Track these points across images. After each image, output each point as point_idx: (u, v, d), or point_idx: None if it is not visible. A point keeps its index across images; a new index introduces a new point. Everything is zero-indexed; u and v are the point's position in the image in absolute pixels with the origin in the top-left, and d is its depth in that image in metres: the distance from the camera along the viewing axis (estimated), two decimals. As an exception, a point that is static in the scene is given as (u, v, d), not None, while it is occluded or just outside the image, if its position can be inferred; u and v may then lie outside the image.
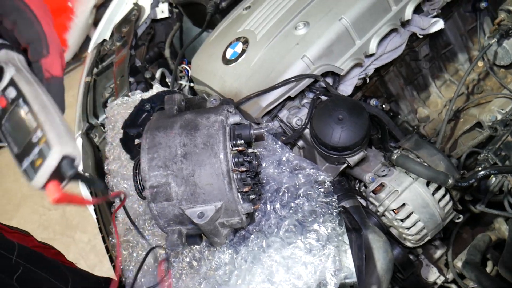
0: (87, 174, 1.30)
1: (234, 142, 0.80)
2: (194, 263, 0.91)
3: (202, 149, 0.76)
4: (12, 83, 0.59)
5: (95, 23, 3.73)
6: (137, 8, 1.68)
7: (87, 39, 3.86)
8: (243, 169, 0.79)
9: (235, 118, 0.82)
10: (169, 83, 1.55)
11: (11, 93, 0.59)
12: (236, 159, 0.79)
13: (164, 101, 1.19)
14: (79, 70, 3.92)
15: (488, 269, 1.17)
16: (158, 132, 0.80)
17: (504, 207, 1.13)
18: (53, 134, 0.54)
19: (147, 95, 1.27)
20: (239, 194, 0.78)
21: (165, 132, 0.80)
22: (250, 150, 0.85)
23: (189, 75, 1.54)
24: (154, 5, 1.68)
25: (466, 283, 1.12)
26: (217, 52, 1.21)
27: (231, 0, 1.44)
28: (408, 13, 1.09)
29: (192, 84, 1.50)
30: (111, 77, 1.56)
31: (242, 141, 0.81)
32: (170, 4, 1.69)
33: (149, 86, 1.47)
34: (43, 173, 0.54)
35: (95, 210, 1.32)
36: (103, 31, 1.78)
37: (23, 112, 0.57)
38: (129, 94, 1.33)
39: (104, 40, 1.75)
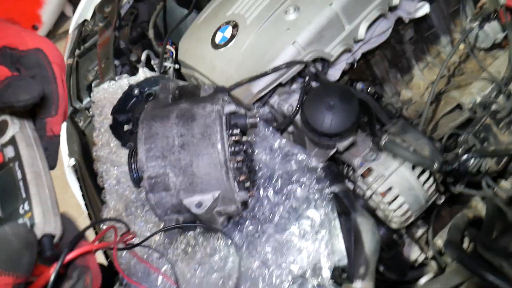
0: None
1: (231, 131, 0.81)
2: (189, 249, 0.93)
3: (200, 139, 0.78)
4: (13, 142, 0.60)
5: (70, -1, 3.62)
6: (119, -13, 1.64)
7: (62, 16, 3.75)
8: (239, 158, 0.81)
9: (231, 107, 0.83)
10: (154, 66, 1.53)
11: (10, 152, 0.59)
12: (232, 148, 0.80)
13: (151, 85, 1.20)
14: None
15: (465, 246, 1.24)
16: (155, 122, 0.81)
17: (481, 186, 1.19)
18: (39, 210, 0.55)
19: (134, 79, 1.26)
20: (235, 182, 0.80)
21: (161, 122, 0.80)
22: (244, 138, 0.86)
23: (174, 56, 1.53)
24: (136, -16, 1.65)
25: (445, 260, 1.18)
26: (206, 36, 1.21)
27: (217, -19, 1.42)
28: (396, -1, 1.10)
29: (177, 66, 1.49)
30: (95, 59, 1.54)
31: (238, 130, 0.83)
32: (153, -17, 1.65)
33: (134, 69, 1.45)
34: None
35: (83, 195, 1.32)
36: (84, 11, 1.74)
37: (16, 177, 0.58)
38: (116, 78, 1.32)
39: (86, 20, 1.71)
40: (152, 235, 0.86)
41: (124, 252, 1.04)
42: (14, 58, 0.64)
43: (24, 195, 0.56)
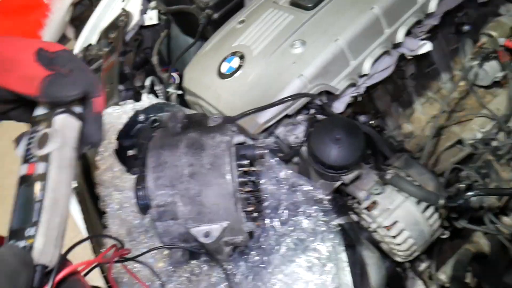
0: None
1: (239, 162, 0.81)
2: (193, 278, 0.92)
3: (209, 169, 0.78)
4: (47, 159, 0.57)
5: (72, 20, 3.66)
6: (125, 14, 1.67)
7: (63, 37, 3.78)
8: (248, 188, 0.81)
9: (239, 138, 0.84)
10: (157, 92, 1.55)
11: (40, 168, 0.57)
12: (241, 179, 0.80)
13: (156, 111, 1.21)
14: (53, 68, 3.83)
15: (467, 281, 1.23)
16: (163, 151, 0.81)
17: (483, 221, 1.20)
18: (41, 241, 0.53)
19: (139, 105, 1.27)
20: (243, 213, 0.80)
21: (170, 151, 0.80)
22: (252, 169, 0.87)
23: (176, 82, 1.55)
24: (142, 12, 1.67)
25: (448, 295, 1.18)
26: (212, 65, 1.22)
27: (223, 12, 1.45)
28: (400, 36, 1.13)
29: (179, 92, 1.50)
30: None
31: (247, 161, 0.83)
32: (159, 11, 1.68)
33: (138, 95, 1.46)
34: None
35: (84, 219, 1.30)
36: (89, 35, 1.76)
37: (35, 197, 0.56)
38: (120, 103, 1.32)
39: (90, 45, 1.73)
40: (150, 250, 0.86)
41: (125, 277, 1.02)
42: (48, 59, 0.67)
43: (34, 219, 0.54)
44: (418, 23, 1.22)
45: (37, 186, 0.56)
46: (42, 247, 0.53)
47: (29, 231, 0.53)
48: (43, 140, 0.59)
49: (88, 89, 0.64)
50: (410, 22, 1.15)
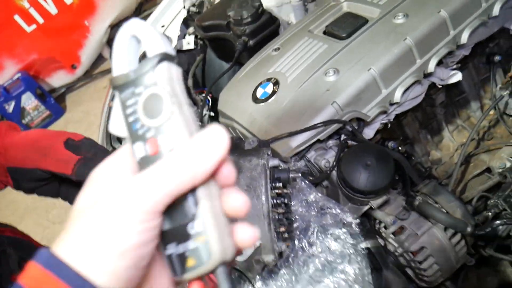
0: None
1: (273, 184, 0.86)
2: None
3: (245, 190, 0.83)
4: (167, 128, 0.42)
5: (108, 41, 3.82)
6: (165, 39, 1.76)
7: (99, 57, 3.95)
8: (280, 210, 0.86)
9: (274, 162, 0.89)
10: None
11: (165, 139, 0.42)
12: (274, 201, 0.85)
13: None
14: (90, 86, 4.00)
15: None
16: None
17: (510, 250, 1.20)
18: (216, 236, 0.41)
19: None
20: (275, 233, 0.85)
21: (209, 172, 0.86)
22: (285, 191, 0.91)
23: (209, 104, 1.61)
24: (181, 37, 1.76)
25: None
26: (247, 90, 1.28)
27: (259, 38, 1.52)
28: (431, 66, 1.16)
29: (212, 114, 1.57)
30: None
31: (281, 184, 0.87)
32: (196, 37, 1.76)
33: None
34: (193, 276, 0.42)
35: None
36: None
37: None
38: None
39: (130, 67, 1.82)
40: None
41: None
42: (74, 147, 0.88)
43: (192, 211, 0.42)
44: (450, 53, 1.25)
45: None
46: (220, 242, 0.41)
47: (194, 227, 0.41)
48: (153, 104, 0.42)
49: None
50: (441, 53, 1.19)
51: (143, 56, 0.45)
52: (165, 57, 0.42)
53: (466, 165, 1.46)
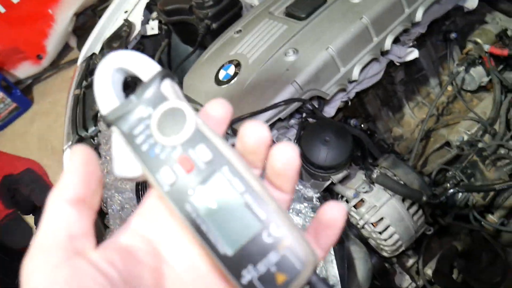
0: None
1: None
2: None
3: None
4: (199, 137, 0.38)
5: (74, 30, 3.75)
6: (128, 25, 1.74)
7: (66, 46, 3.87)
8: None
9: (233, 141, 0.91)
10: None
11: (197, 151, 0.38)
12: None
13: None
14: (57, 76, 3.92)
15: (454, 276, 1.29)
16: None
17: (469, 219, 1.26)
18: (299, 234, 0.35)
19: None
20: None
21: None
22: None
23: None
24: (144, 22, 1.75)
25: (435, 290, 1.24)
26: (210, 73, 1.29)
27: (222, 22, 1.52)
28: (387, 44, 1.20)
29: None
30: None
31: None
32: (160, 22, 1.75)
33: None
34: None
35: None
36: (92, 45, 1.83)
37: (228, 188, 0.36)
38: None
39: (94, 54, 1.80)
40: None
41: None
42: (12, 182, 0.86)
43: (258, 212, 0.35)
44: (406, 31, 1.29)
45: (218, 170, 0.38)
46: (306, 240, 0.35)
47: (270, 233, 0.35)
48: (171, 120, 0.39)
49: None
50: (397, 31, 1.22)
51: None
52: (165, 74, 0.40)
53: (427, 140, 1.51)
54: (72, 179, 0.35)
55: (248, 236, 0.35)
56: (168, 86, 0.40)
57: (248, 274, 0.34)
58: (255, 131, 0.37)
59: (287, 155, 0.37)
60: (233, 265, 0.35)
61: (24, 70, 3.74)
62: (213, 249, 0.36)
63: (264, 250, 0.34)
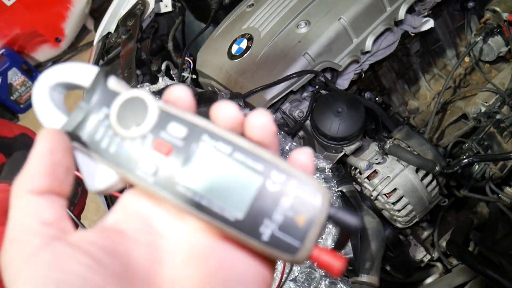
0: None
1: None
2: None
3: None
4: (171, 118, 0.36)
5: (91, 12, 3.77)
6: (142, 3, 1.75)
7: (83, 29, 3.90)
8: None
9: (246, 111, 0.91)
10: (173, 75, 1.63)
11: (174, 130, 0.36)
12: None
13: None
14: (76, 58, 3.97)
15: (470, 249, 1.28)
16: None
17: (486, 192, 1.24)
18: (298, 173, 0.35)
19: (155, 87, 1.35)
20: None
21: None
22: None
23: (191, 67, 1.62)
24: (158, 0, 1.75)
25: (450, 261, 1.23)
26: (223, 48, 1.29)
27: (234, -4, 1.51)
28: (401, 14, 1.18)
29: (194, 76, 1.58)
30: (118, 69, 1.63)
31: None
32: (173, -1, 1.75)
33: (154, 79, 1.55)
34: (315, 235, 0.34)
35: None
36: (108, 24, 1.84)
37: (215, 154, 0.35)
38: (138, 86, 1.41)
39: (109, 33, 1.81)
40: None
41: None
42: (5, 144, 0.84)
43: (254, 166, 0.35)
44: (421, 0, 1.26)
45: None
46: (311, 175, 0.36)
47: (275, 181, 0.35)
48: (130, 112, 0.38)
49: None
50: (411, 0, 1.19)
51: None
52: (106, 71, 0.38)
53: (443, 113, 1.49)
54: (36, 169, 0.33)
55: (252, 192, 0.34)
56: (115, 82, 0.38)
57: (267, 229, 0.33)
58: (226, 111, 0.37)
59: (261, 122, 0.36)
60: (247, 227, 0.33)
61: (43, 53, 3.79)
62: (222, 220, 0.34)
63: (274, 199, 0.33)
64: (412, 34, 1.26)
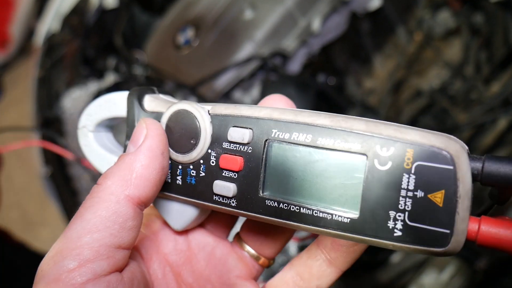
0: None
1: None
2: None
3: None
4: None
5: (39, 13, 3.63)
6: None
7: (32, 31, 3.75)
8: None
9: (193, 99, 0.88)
10: (123, 72, 1.57)
11: (236, 136, 0.32)
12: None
13: (119, 89, 1.24)
14: (26, 63, 3.81)
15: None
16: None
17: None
18: (412, 133, 0.27)
19: (103, 85, 1.30)
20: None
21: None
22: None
23: (141, 61, 1.57)
24: (101, -5, 1.68)
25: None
26: (169, 39, 1.25)
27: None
28: (346, -7, 1.16)
29: (145, 71, 1.53)
30: (65, 69, 1.57)
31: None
32: (117, -7, 1.69)
33: (102, 77, 1.49)
34: (463, 215, 0.26)
35: (62, 201, 1.34)
36: (51, 24, 1.76)
37: (296, 150, 0.30)
38: (85, 85, 1.35)
39: (54, 35, 1.74)
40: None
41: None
42: None
43: (348, 146, 0.28)
44: (366, -21, 1.25)
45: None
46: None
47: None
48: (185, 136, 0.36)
49: None
50: (356, -21, 1.18)
51: None
52: (137, 94, 0.36)
53: (398, 91, 1.49)
54: (146, 184, 0.31)
55: (359, 180, 0.26)
56: (150, 100, 0.35)
57: (397, 222, 0.25)
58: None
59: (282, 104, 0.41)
60: (369, 225, 0.25)
61: (-9, 59, 3.64)
62: (333, 225, 0.26)
63: (391, 180, 0.25)
64: (360, 16, 1.25)
